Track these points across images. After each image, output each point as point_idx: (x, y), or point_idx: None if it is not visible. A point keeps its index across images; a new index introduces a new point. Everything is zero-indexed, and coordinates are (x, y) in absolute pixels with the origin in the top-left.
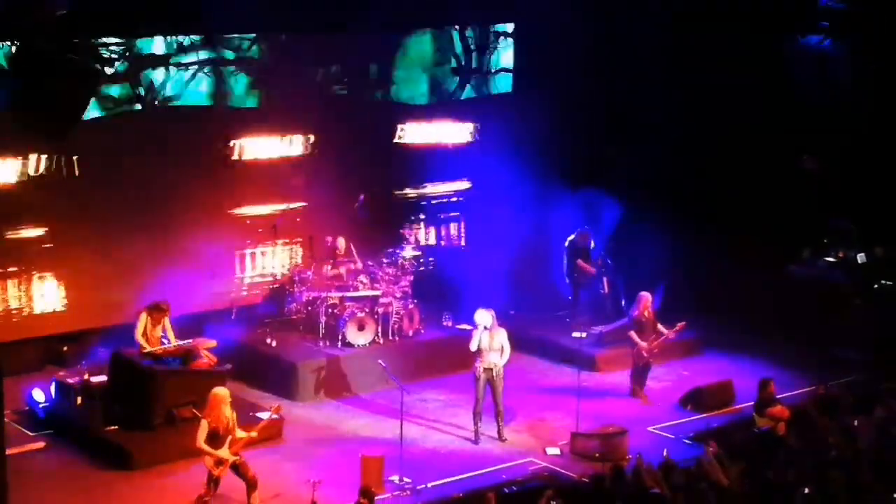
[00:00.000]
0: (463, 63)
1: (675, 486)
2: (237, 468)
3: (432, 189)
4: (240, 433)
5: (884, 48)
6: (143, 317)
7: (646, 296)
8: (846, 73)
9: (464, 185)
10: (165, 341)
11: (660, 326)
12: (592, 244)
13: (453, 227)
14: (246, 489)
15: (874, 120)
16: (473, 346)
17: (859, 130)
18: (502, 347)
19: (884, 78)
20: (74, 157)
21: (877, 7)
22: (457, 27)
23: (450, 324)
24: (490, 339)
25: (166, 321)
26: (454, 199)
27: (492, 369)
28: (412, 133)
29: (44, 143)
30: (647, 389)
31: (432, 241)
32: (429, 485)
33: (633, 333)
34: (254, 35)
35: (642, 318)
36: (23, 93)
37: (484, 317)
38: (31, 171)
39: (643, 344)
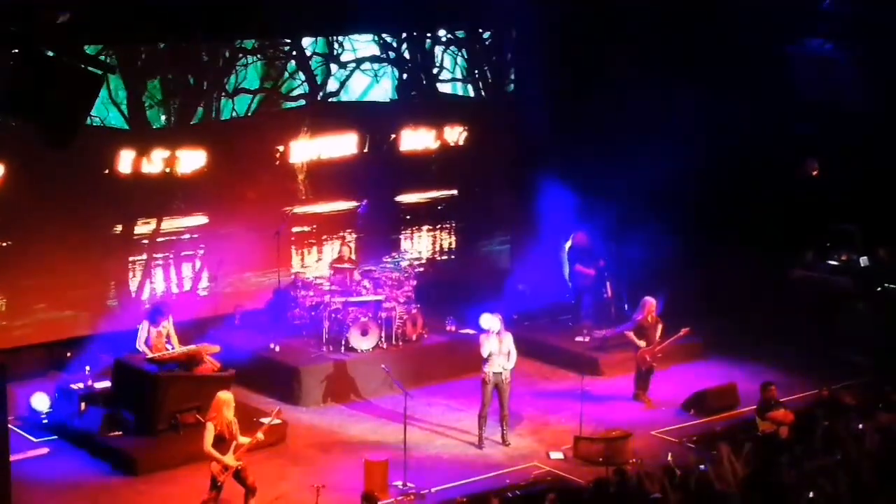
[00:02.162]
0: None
1: (677, 491)
2: (238, 474)
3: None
4: (242, 439)
5: (886, 51)
6: (145, 325)
7: (650, 300)
8: (848, 75)
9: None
10: (170, 347)
11: (660, 328)
12: (594, 248)
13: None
14: (245, 495)
15: (877, 123)
16: (486, 352)
17: (862, 133)
18: (509, 352)
19: (886, 80)
20: None
21: (880, 10)
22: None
23: (453, 328)
24: (499, 343)
25: (170, 327)
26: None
27: (501, 374)
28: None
29: (46, 149)
30: (650, 393)
31: (428, 246)
32: (432, 489)
33: (632, 335)
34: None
35: (645, 323)
36: (24, 99)
37: (493, 321)
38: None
39: (642, 344)
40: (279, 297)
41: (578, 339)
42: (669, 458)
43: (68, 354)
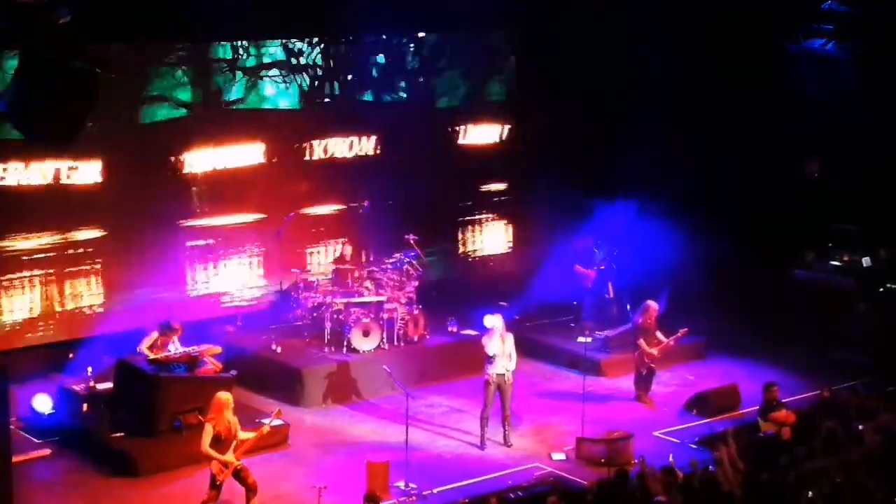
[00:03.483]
0: None
1: (679, 492)
2: (238, 473)
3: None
4: (243, 435)
5: (887, 50)
6: (154, 334)
7: (652, 304)
8: (849, 75)
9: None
10: (172, 347)
11: (658, 334)
12: (595, 249)
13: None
14: (245, 494)
15: (877, 122)
16: (491, 352)
17: (862, 132)
18: (511, 352)
19: (887, 79)
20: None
21: (880, 9)
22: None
23: (455, 329)
24: (502, 344)
25: (177, 344)
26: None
27: (504, 375)
28: None
29: (47, 149)
30: (651, 394)
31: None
32: (434, 490)
33: (642, 342)
34: None
35: (646, 326)
36: (27, 100)
37: (497, 321)
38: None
39: (653, 352)
40: (281, 297)
41: (580, 339)
42: (671, 459)
43: (70, 355)
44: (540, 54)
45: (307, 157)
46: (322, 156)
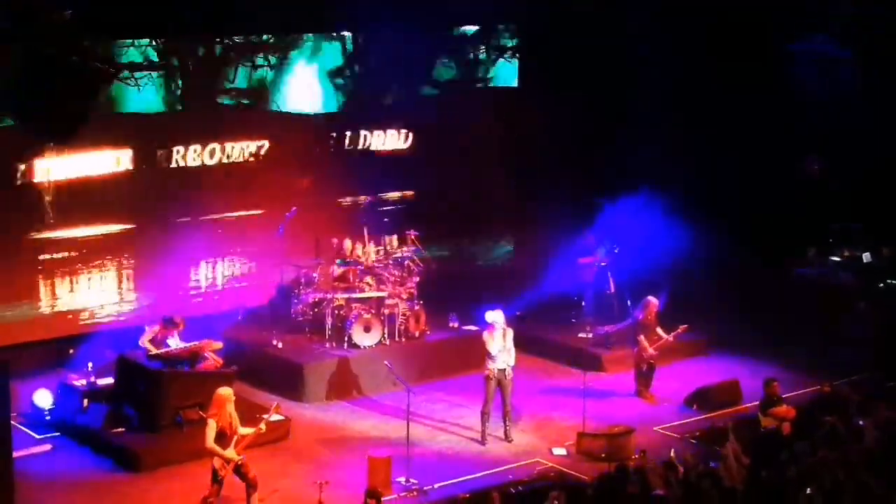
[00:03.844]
0: None
1: (679, 487)
2: (239, 469)
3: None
4: (243, 430)
5: (887, 50)
6: (155, 328)
7: (653, 300)
8: (849, 74)
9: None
10: (172, 342)
11: (659, 330)
12: (596, 245)
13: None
14: (246, 490)
15: (878, 121)
16: (493, 348)
17: (865, 131)
18: (511, 348)
19: (887, 79)
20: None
21: (880, 9)
22: None
23: (456, 325)
24: (503, 340)
25: (178, 339)
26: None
27: (504, 370)
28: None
29: (50, 144)
30: (652, 389)
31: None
32: (435, 486)
33: (642, 338)
34: None
35: (647, 322)
36: (29, 95)
37: (498, 317)
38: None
39: (651, 351)
40: (282, 293)
41: (581, 335)
42: (672, 454)
43: (71, 351)
44: (540, 54)
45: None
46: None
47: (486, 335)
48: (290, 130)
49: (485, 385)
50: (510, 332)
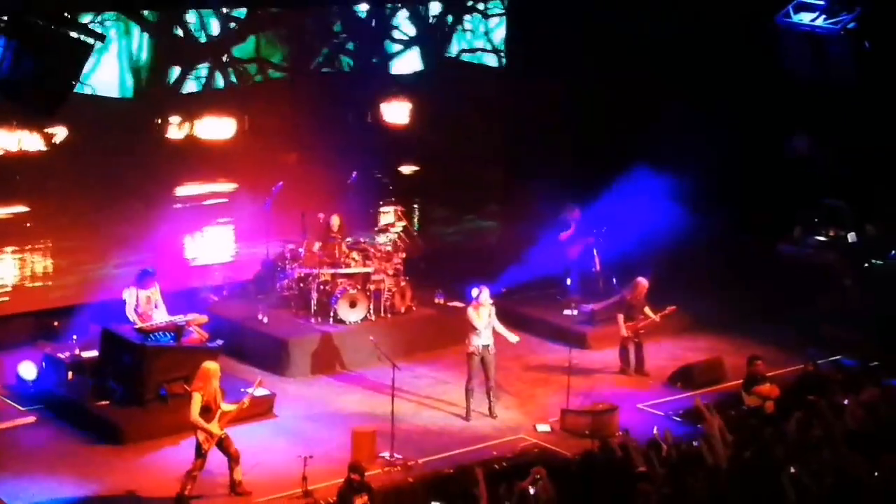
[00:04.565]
0: None
1: (662, 464)
2: (221, 443)
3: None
4: (226, 406)
5: (877, 25)
6: (132, 290)
7: (643, 282)
8: (839, 50)
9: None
10: (157, 313)
11: (647, 310)
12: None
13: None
14: (228, 463)
15: (867, 98)
16: (479, 324)
17: (852, 109)
18: (495, 325)
19: (877, 55)
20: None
21: None
22: None
23: (441, 301)
24: (487, 316)
25: (158, 296)
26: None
27: (488, 346)
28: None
29: (35, 116)
30: (635, 367)
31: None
32: (419, 461)
33: (620, 317)
34: None
35: (634, 301)
36: (14, 67)
37: (484, 294)
38: (14, 147)
39: (624, 331)
40: (267, 268)
41: (566, 312)
42: (655, 431)
43: (55, 324)
44: (528, 30)
45: None
46: None
47: (471, 311)
48: (272, 103)
49: (468, 361)
50: (493, 309)
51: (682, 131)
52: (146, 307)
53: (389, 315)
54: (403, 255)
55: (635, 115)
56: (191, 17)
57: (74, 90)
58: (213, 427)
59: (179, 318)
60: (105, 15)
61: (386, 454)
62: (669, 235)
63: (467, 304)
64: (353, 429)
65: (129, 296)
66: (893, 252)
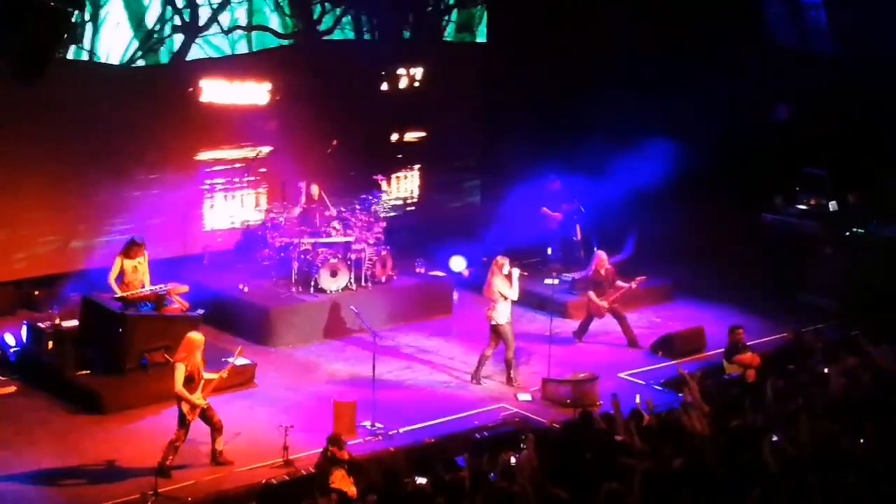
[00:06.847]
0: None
1: (640, 434)
2: (204, 413)
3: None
4: (207, 375)
5: None
6: (118, 260)
7: (600, 254)
8: (820, 19)
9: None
10: (142, 266)
11: (619, 282)
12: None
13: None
14: (211, 433)
15: (848, 68)
16: (513, 294)
17: (833, 78)
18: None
19: (858, 24)
20: None
21: None
22: None
23: (422, 270)
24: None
25: (145, 264)
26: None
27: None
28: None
29: (15, 83)
30: (621, 336)
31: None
32: (401, 430)
33: (591, 294)
34: None
35: (598, 277)
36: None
37: (504, 260)
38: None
39: (601, 304)
40: (248, 237)
41: (547, 281)
42: (637, 400)
43: (36, 293)
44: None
45: None
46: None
47: (502, 281)
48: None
49: (502, 331)
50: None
51: (659, 99)
52: (132, 276)
53: (370, 284)
54: (384, 224)
55: (613, 83)
56: None
57: (56, 57)
58: (197, 398)
59: (160, 288)
60: None
61: (367, 423)
62: (649, 203)
63: (448, 273)
64: (334, 400)
65: (115, 264)
66: (874, 221)
